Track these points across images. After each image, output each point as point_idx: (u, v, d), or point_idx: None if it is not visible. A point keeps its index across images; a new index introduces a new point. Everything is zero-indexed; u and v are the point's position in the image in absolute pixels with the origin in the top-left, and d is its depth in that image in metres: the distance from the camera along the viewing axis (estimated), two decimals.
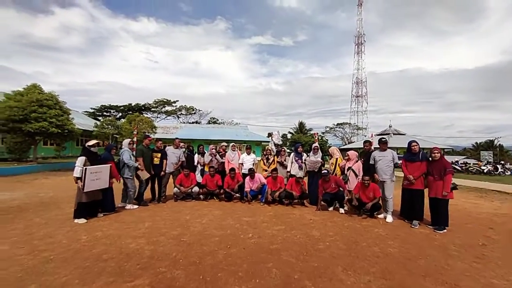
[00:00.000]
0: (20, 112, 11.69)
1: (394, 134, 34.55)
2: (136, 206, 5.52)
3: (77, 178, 4.41)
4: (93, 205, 4.68)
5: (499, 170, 17.91)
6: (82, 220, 4.38)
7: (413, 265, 2.99)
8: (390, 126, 37.03)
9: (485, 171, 18.18)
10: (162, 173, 6.05)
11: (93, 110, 41.79)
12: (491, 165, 18.88)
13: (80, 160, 4.48)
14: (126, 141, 5.58)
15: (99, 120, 27.79)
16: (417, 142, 4.83)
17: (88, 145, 4.75)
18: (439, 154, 4.49)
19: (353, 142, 44.17)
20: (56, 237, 3.64)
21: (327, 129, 51.01)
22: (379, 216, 5.12)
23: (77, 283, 2.45)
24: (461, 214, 5.59)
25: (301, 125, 45.27)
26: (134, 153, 5.63)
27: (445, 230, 4.32)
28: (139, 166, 5.49)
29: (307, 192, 6.04)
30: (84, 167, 4.40)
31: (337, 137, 51.02)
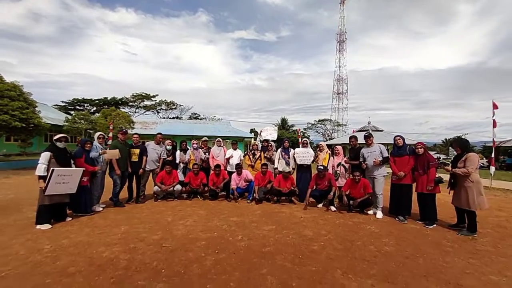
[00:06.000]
0: None
1: (372, 130, 35.62)
2: (102, 207, 5.00)
3: (40, 177, 3.85)
4: (60, 207, 4.14)
5: None
6: (45, 226, 3.83)
7: (412, 264, 2.87)
8: (369, 123, 38.07)
9: None
10: (141, 170, 5.55)
11: (64, 104, 38.79)
12: None
13: (45, 156, 3.91)
14: (97, 135, 5.01)
15: (71, 114, 25.82)
16: (400, 136, 4.83)
17: (54, 139, 4.18)
18: (422, 149, 4.47)
19: (334, 138, 45.15)
20: (12, 247, 3.11)
21: (309, 125, 51.54)
22: (369, 212, 5.05)
23: None
24: (446, 208, 5.66)
25: (284, 121, 45.49)
26: (105, 147, 5.06)
27: (434, 225, 4.31)
28: (100, 152, 4.75)
29: (296, 188, 5.86)
30: (52, 168, 3.84)
31: (319, 133, 51.73)
